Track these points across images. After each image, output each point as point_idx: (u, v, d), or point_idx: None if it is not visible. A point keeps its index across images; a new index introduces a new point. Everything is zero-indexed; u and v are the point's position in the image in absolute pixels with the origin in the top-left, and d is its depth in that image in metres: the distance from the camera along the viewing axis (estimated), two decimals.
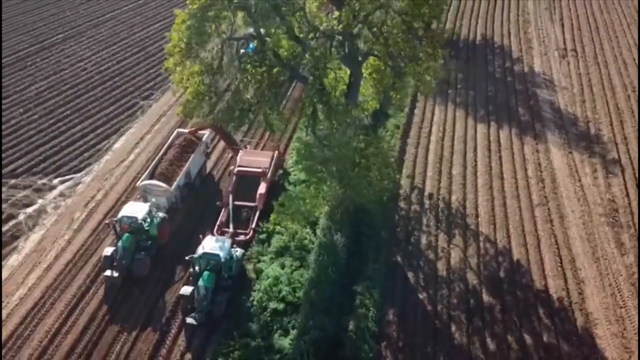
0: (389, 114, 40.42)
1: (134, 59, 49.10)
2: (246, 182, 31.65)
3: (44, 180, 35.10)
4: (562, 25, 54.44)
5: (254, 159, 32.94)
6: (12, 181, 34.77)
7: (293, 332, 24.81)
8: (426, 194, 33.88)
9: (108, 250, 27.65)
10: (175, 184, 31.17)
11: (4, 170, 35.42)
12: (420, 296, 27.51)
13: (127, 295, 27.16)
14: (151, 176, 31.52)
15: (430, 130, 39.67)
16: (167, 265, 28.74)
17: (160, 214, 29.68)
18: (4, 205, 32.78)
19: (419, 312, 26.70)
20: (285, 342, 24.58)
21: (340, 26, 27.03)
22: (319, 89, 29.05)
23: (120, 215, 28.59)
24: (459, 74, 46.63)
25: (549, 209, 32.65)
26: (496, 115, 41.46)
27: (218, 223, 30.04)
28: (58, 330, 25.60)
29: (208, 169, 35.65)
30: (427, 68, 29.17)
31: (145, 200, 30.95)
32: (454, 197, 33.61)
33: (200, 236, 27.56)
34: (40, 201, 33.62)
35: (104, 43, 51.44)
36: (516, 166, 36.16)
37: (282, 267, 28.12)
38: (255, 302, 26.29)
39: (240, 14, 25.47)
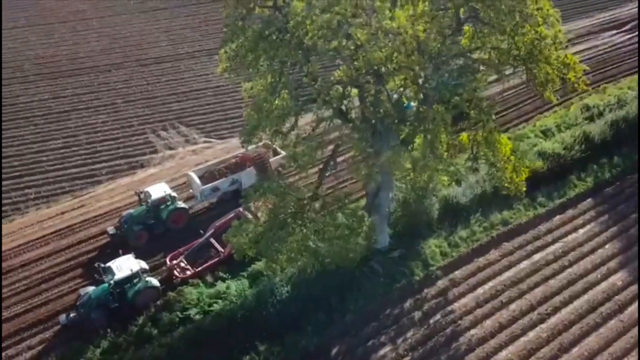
0: (512, 204, 31.83)
1: None
2: None
3: (196, 136, 42.95)
4: None
5: None
6: (183, 128, 43.81)
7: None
8: (449, 308, 26.61)
9: (127, 212, 32.00)
10: (211, 185, 33.03)
11: (189, 122, 44.66)
12: None
13: (114, 253, 29.73)
14: (205, 171, 34.36)
15: (540, 245, 29.68)
16: (168, 247, 30.04)
17: (181, 204, 32.16)
18: (161, 142, 42.04)
19: None
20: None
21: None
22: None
23: (146, 189, 32.78)
24: None
25: None
26: None
27: (180, 249, 29.77)
28: (60, 250, 31.55)
29: None
30: None
31: (190, 187, 34.47)
32: (473, 331, 25.39)
33: (120, 252, 28.26)
34: (180, 149, 41.60)
35: None
36: (617, 343, 24.54)
37: (238, 287, 27.87)
38: (185, 302, 27.37)
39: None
